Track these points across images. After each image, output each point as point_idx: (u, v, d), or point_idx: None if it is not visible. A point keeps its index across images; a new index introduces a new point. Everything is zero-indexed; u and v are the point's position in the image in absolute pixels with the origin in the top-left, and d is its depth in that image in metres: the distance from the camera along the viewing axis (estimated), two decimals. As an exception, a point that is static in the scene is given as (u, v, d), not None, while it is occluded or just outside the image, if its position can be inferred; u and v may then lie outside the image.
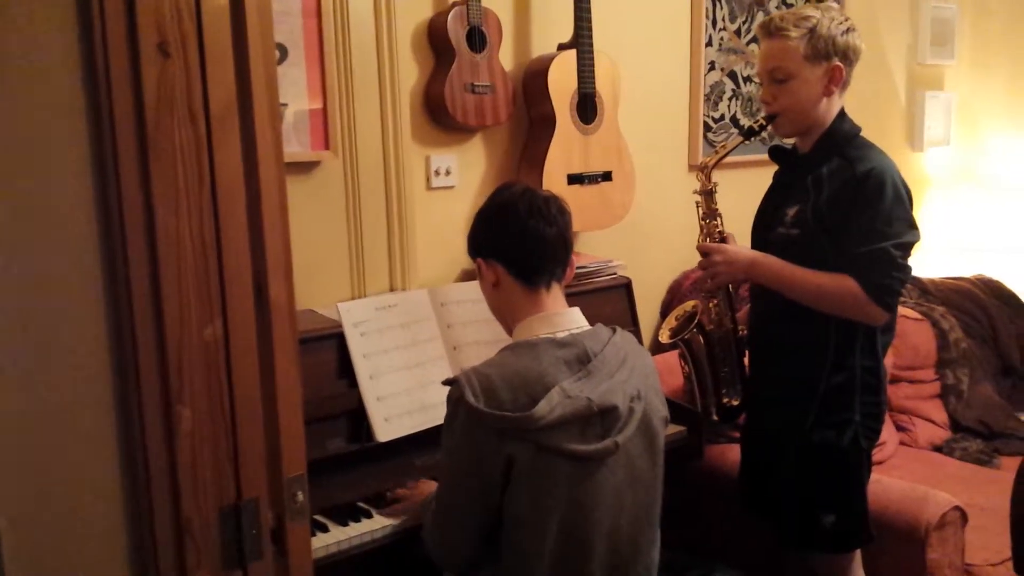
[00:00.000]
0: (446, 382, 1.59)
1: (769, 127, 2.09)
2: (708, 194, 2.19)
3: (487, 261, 1.69)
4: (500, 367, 1.56)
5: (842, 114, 2.04)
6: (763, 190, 2.23)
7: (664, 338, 2.25)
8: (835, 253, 1.94)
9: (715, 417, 2.26)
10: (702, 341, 2.20)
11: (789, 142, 2.20)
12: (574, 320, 1.67)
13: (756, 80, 3.29)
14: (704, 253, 2.12)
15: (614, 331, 1.68)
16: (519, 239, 1.65)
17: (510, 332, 1.72)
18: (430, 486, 1.90)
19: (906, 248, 1.91)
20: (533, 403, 1.49)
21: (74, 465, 0.93)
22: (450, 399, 1.56)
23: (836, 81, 1.99)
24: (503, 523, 1.57)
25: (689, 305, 2.26)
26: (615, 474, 1.58)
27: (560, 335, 1.62)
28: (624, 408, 1.58)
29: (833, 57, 1.97)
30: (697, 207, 2.20)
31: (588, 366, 1.58)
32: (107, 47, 0.88)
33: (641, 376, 1.65)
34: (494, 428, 1.49)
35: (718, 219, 2.19)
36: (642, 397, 1.62)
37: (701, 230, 2.20)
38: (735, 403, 2.24)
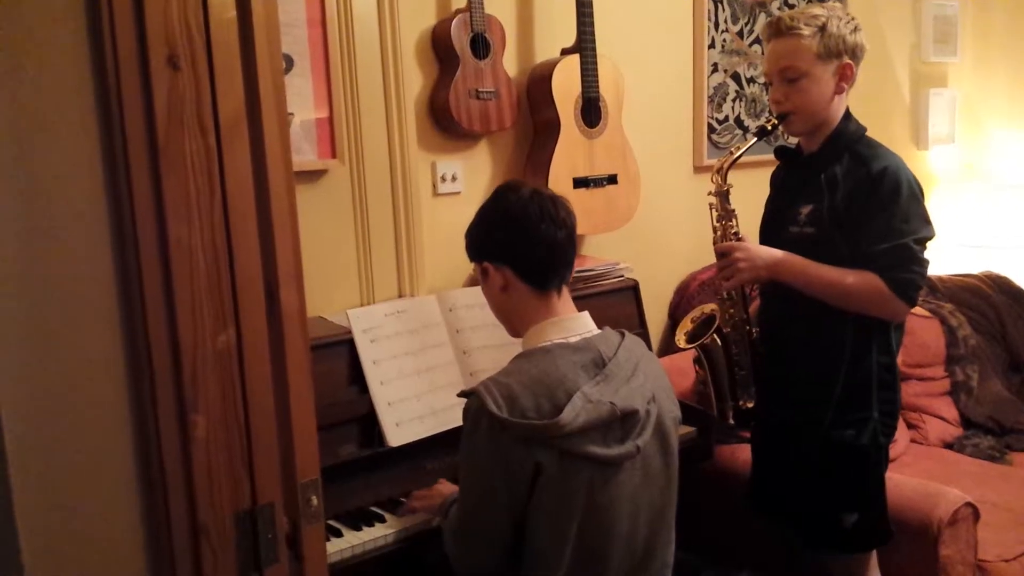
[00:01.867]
0: (462, 394, 1.57)
1: (781, 126, 2.09)
2: (723, 195, 2.19)
3: (496, 265, 1.66)
4: (518, 375, 1.54)
5: (848, 114, 2.05)
6: (768, 189, 2.23)
7: (680, 343, 2.23)
8: (852, 251, 1.94)
9: (731, 420, 2.26)
10: (720, 345, 2.19)
11: (793, 141, 2.20)
12: (585, 324, 1.67)
13: (760, 81, 3.30)
14: (723, 253, 2.10)
15: (622, 335, 1.67)
16: (533, 245, 1.62)
17: (516, 334, 1.71)
18: (447, 487, 1.90)
19: (923, 243, 1.94)
20: (556, 409, 1.48)
21: (90, 474, 0.94)
22: (468, 411, 1.53)
23: (847, 79, 2.00)
24: (525, 532, 1.57)
25: (708, 308, 2.24)
26: (632, 477, 1.58)
27: (573, 339, 1.61)
28: (643, 411, 1.58)
29: (844, 55, 1.98)
30: (711, 209, 2.19)
31: (604, 370, 1.57)
32: (118, 61, 0.90)
33: (653, 379, 1.65)
34: (520, 437, 1.48)
35: (733, 220, 2.18)
36: (656, 399, 1.62)
37: (715, 231, 2.18)
38: (750, 405, 2.23)
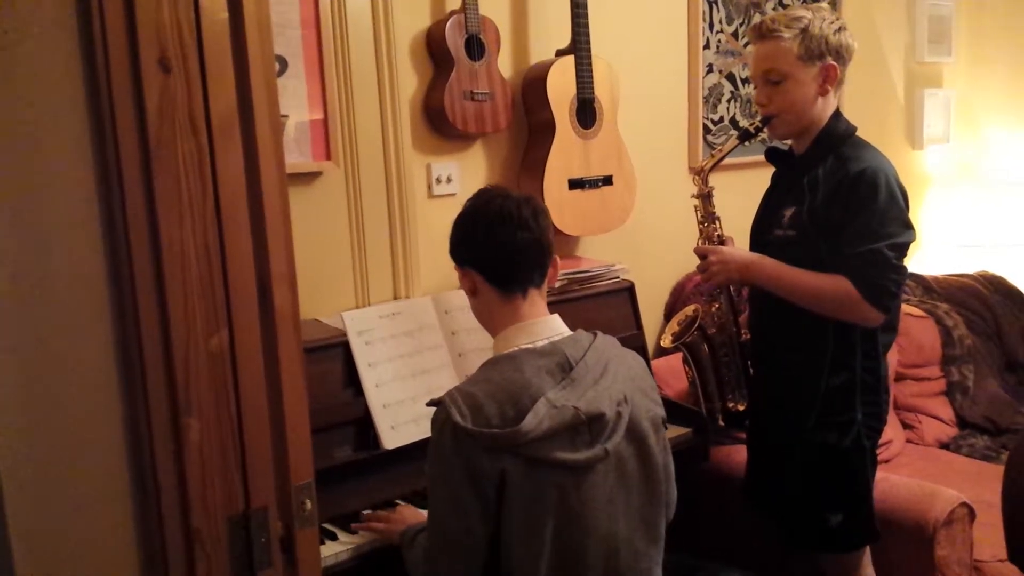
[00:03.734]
0: (431, 403, 1.56)
1: (765, 129, 2.10)
2: (706, 197, 2.19)
3: (463, 269, 1.67)
4: (484, 383, 1.53)
5: (837, 114, 2.04)
6: (761, 192, 2.23)
7: (666, 343, 2.25)
8: (830, 254, 1.94)
9: (721, 423, 2.26)
10: (704, 345, 2.20)
11: (785, 144, 2.20)
12: (553, 327, 1.65)
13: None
14: (701, 256, 2.13)
15: (595, 336, 1.65)
16: (488, 247, 1.62)
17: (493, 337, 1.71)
18: (409, 512, 1.86)
19: (901, 248, 1.91)
20: (520, 416, 1.47)
21: (83, 478, 0.94)
22: (435, 422, 1.52)
23: (831, 80, 2.00)
24: (498, 542, 1.54)
25: (690, 309, 2.26)
26: (606, 480, 1.56)
27: (539, 344, 1.59)
28: (611, 414, 1.55)
29: (827, 56, 1.98)
30: (695, 211, 2.21)
31: (571, 374, 1.55)
32: (109, 63, 0.89)
33: (626, 380, 1.62)
34: (484, 446, 1.46)
35: (716, 222, 2.20)
36: (628, 401, 1.59)
37: (700, 234, 2.20)
38: (740, 408, 2.23)
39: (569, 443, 1.52)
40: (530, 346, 1.59)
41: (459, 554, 1.54)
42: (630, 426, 1.59)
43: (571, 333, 1.66)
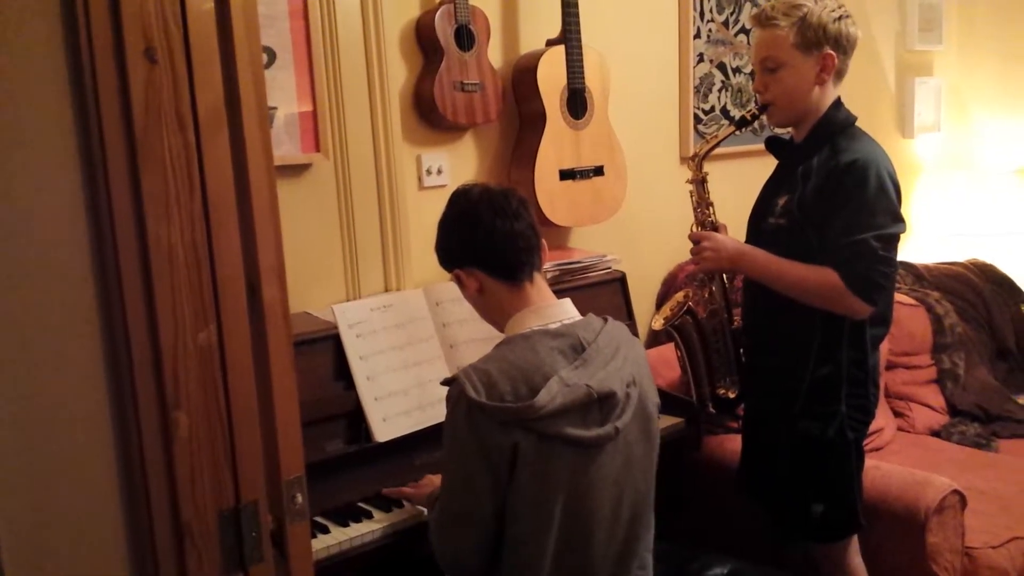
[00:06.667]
0: (445, 382, 1.59)
1: (762, 117, 2.09)
2: (700, 183, 2.20)
3: (466, 270, 1.69)
4: (498, 361, 1.56)
5: (837, 103, 2.03)
6: (757, 180, 2.23)
7: (657, 325, 2.25)
8: (819, 245, 1.94)
9: (711, 409, 2.26)
10: (694, 330, 2.20)
11: (787, 132, 2.19)
12: (565, 311, 1.68)
13: (745, 71, 3.30)
14: (695, 241, 2.13)
15: (605, 320, 1.69)
16: (493, 242, 1.65)
17: (503, 331, 1.72)
18: (437, 479, 1.89)
19: (889, 240, 1.90)
20: (533, 393, 1.50)
21: (72, 473, 0.93)
22: (450, 398, 1.56)
23: (828, 69, 1.98)
24: (507, 517, 1.57)
25: (681, 294, 2.27)
26: (614, 460, 1.59)
27: (552, 326, 1.63)
28: (622, 394, 1.59)
29: (824, 45, 1.96)
30: (691, 196, 2.21)
31: (583, 355, 1.59)
32: (93, 54, 0.88)
33: (634, 364, 1.66)
34: (497, 420, 1.50)
35: (710, 208, 2.20)
36: (637, 383, 1.63)
37: (696, 219, 2.21)
38: (731, 395, 2.23)
39: (581, 420, 1.55)
40: (543, 327, 1.63)
41: (467, 525, 1.59)
42: (638, 408, 1.63)
43: (583, 317, 1.69)
